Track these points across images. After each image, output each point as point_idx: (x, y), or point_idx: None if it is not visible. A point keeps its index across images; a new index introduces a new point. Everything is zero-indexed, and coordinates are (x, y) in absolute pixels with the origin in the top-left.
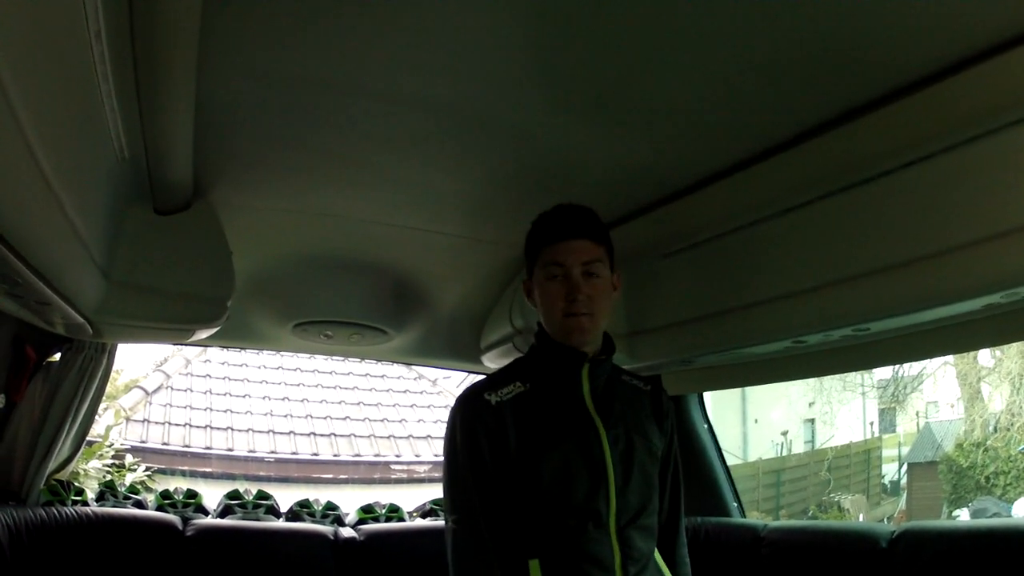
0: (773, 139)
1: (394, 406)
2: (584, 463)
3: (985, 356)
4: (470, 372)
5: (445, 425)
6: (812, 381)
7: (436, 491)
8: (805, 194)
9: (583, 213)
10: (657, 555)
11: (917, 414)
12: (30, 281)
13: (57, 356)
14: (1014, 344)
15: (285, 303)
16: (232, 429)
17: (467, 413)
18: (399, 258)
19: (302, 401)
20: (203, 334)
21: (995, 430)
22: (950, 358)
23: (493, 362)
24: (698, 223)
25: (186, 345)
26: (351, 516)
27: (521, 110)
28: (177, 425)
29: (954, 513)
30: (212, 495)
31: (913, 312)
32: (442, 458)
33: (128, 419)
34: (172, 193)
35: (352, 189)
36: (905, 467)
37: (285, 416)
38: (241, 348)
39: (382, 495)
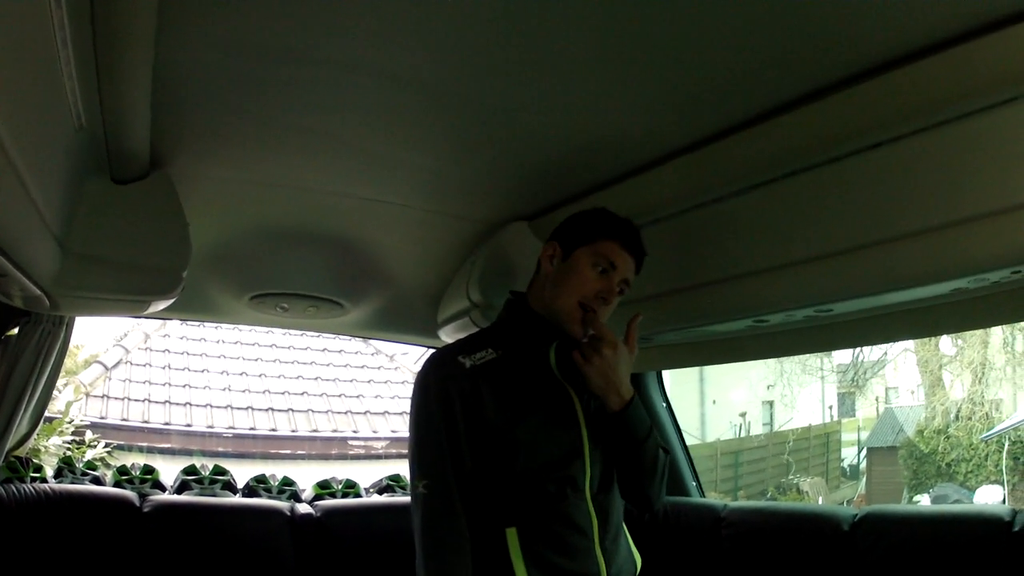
0: (738, 116)
1: (351, 381)
2: (559, 429)
3: (947, 344)
4: (427, 347)
5: (412, 387)
6: (771, 363)
7: (393, 467)
8: (770, 172)
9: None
10: (623, 526)
11: (877, 399)
12: None
13: (15, 331)
14: (976, 334)
15: (241, 275)
16: (191, 404)
17: (440, 374)
18: (357, 230)
19: (260, 376)
20: (159, 306)
21: (957, 418)
22: (911, 345)
23: (450, 336)
24: (660, 198)
25: (143, 318)
26: (308, 492)
27: (484, 83)
28: (136, 400)
29: (915, 498)
30: (171, 471)
31: (878, 294)
32: (408, 421)
33: (88, 395)
34: (129, 163)
35: (311, 160)
36: (865, 451)
37: (243, 391)
38: (198, 321)
39: (340, 471)
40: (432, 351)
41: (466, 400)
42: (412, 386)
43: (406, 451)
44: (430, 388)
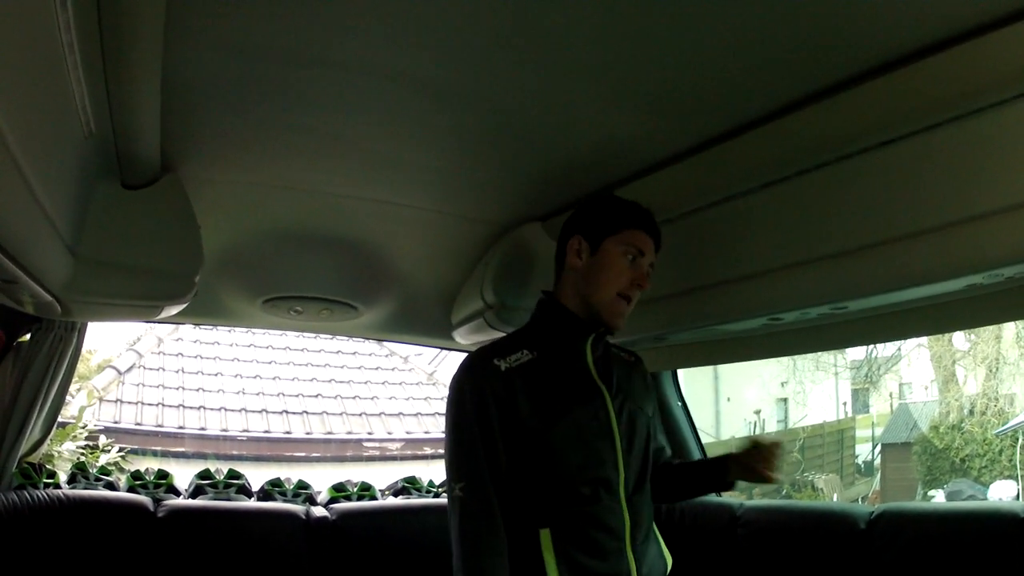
0: (751, 114)
1: (366, 383)
2: (593, 431)
3: (960, 339)
4: (442, 348)
5: (448, 390)
6: (785, 360)
7: (408, 469)
8: (783, 170)
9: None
10: (654, 525)
11: (891, 395)
12: None
13: (27, 337)
14: (989, 328)
15: (254, 279)
16: (204, 408)
17: (476, 377)
18: (369, 232)
19: (274, 379)
20: (172, 311)
21: (971, 413)
22: (924, 341)
23: (464, 338)
24: (672, 198)
25: (156, 323)
26: (323, 495)
27: (495, 83)
28: (150, 405)
29: (929, 494)
30: (185, 475)
31: (893, 291)
32: (444, 424)
33: (101, 399)
34: (139, 167)
35: (322, 162)
36: (879, 447)
37: (257, 394)
38: (211, 325)
39: (355, 473)
40: (465, 354)
41: (501, 403)
42: (447, 388)
43: (421, 452)
44: (465, 391)
